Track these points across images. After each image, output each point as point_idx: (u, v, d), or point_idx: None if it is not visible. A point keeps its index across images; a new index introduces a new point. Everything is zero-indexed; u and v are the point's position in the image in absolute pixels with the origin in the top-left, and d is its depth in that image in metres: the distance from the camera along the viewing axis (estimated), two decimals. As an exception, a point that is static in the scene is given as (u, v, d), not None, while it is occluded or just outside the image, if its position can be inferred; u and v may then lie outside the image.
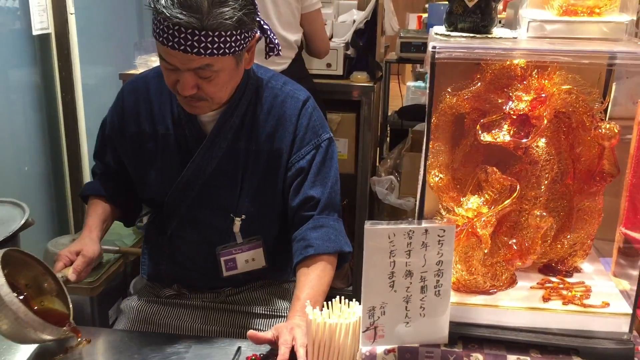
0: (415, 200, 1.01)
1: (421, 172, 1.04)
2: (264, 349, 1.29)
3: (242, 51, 1.30)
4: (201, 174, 1.46)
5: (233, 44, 1.26)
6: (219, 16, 1.21)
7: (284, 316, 1.57)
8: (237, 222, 1.48)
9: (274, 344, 1.24)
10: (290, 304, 1.59)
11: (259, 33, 1.36)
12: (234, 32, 1.24)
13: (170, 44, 1.23)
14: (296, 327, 1.24)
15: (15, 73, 2.33)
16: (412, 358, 0.95)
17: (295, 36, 2.31)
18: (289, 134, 1.45)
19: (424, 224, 0.91)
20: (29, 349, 1.29)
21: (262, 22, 1.38)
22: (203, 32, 1.21)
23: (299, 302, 1.35)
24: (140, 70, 2.63)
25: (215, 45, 1.23)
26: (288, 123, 1.46)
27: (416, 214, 1.07)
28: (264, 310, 1.58)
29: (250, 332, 1.24)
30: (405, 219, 2.59)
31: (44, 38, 2.42)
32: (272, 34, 1.42)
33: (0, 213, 1.70)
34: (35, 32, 2.35)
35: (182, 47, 1.22)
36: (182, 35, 1.21)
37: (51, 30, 2.43)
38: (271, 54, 1.46)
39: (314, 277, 1.39)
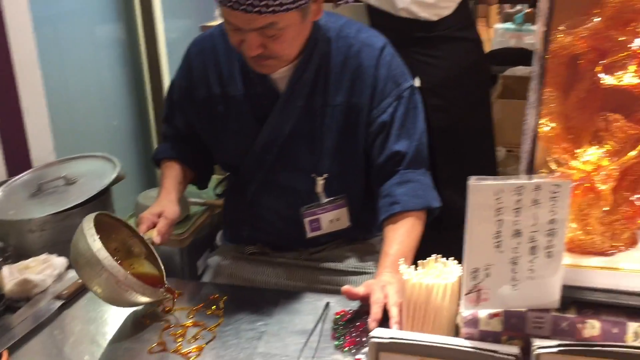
0: (509, 150, 0.93)
1: (530, 122, 0.94)
2: (353, 305, 1.27)
3: (307, 4, 1.21)
4: (278, 135, 1.40)
5: None
6: None
7: (370, 272, 1.53)
8: (320, 181, 1.43)
9: (365, 300, 1.21)
10: (375, 260, 1.55)
11: None
12: None
13: (229, 4, 1.16)
14: (388, 284, 1.20)
15: (101, 29, 2.36)
16: (519, 323, 0.88)
17: None
18: (367, 87, 1.36)
19: (536, 180, 0.83)
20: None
21: None
22: None
23: (387, 258, 1.30)
24: (221, 21, 2.60)
25: (277, 2, 1.15)
26: (366, 74, 1.36)
27: (522, 168, 0.98)
28: (349, 267, 1.55)
29: (346, 287, 1.21)
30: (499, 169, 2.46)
31: (127, -7, 2.43)
32: None
33: (93, 167, 1.74)
34: (118, -13, 2.36)
35: (242, 7, 1.15)
36: None
37: (133, -16, 2.43)
38: (340, 3, 1.36)
39: (402, 232, 1.34)
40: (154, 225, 1.35)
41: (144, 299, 1.23)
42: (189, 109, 1.49)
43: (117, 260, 1.17)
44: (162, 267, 1.33)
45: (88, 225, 1.18)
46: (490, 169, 2.21)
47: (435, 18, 2.04)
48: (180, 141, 1.55)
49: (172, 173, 1.51)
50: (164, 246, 2.14)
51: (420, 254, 1.20)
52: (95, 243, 1.15)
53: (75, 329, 1.26)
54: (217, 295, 1.34)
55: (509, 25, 3.35)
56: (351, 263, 1.56)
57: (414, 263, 1.07)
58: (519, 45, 3.22)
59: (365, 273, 1.53)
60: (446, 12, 2.04)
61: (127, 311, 1.29)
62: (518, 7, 3.42)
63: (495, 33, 3.35)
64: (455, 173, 1.84)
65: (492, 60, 3.00)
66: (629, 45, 0.88)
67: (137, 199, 2.20)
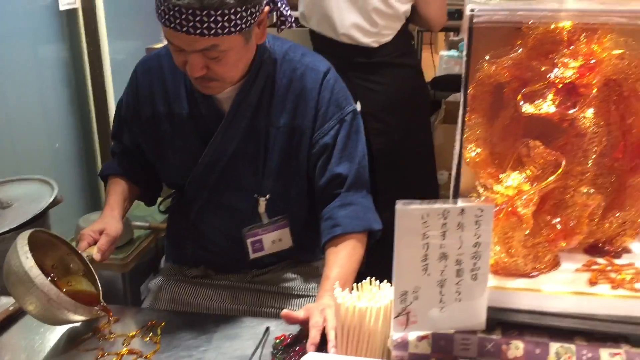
0: (450, 175, 0.96)
1: (456, 147, 0.97)
2: (293, 329, 1.26)
3: (249, 27, 1.23)
4: (222, 155, 1.40)
5: (239, 22, 1.18)
6: None
7: (314, 295, 1.53)
8: (262, 202, 1.43)
9: (305, 324, 1.21)
10: (319, 283, 1.56)
11: (269, 6, 1.28)
12: (238, 9, 1.17)
13: (172, 25, 1.17)
14: (327, 307, 1.20)
15: (44, 49, 2.32)
16: (446, 345, 0.90)
17: (405, 6, 2.10)
18: (310, 109, 1.38)
19: (460, 203, 0.85)
20: (59, 330, 1.28)
21: None
22: (205, 12, 1.14)
23: (328, 281, 1.30)
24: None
25: (219, 25, 1.17)
26: (309, 97, 1.38)
27: (451, 192, 1.00)
28: (293, 290, 1.54)
29: (285, 311, 1.21)
30: (439, 193, 2.52)
31: (71, 13, 2.39)
32: (283, 6, 1.34)
33: (29, 190, 1.69)
34: (62, 8, 2.32)
35: (184, 29, 1.16)
36: (184, 17, 1.15)
37: (78, 5, 2.40)
38: (283, 27, 1.39)
39: (343, 255, 1.35)
40: (95, 242, 1.33)
41: (77, 318, 1.20)
42: (135, 127, 1.49)
43: (53, 278, 1.16)
44: (99, 285, 1.31)
45: (22, 242, 1.17)
46: (432, 192, 2.26)
47: (375, 44, 2.09)
48: (128, 158, 1.55)
49: (117, 189, 1.50)
50: (106, 271, 2.10)
51: (362, 276, 1.21)
52: (27, 261, 1.13)
53: (5, 358, 1.21)
54: (155, 321, 1.31)
55: (453, 52, 3.45)
56: (295, 286, 1.56)
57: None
58: (463, 72, 3.30)
59: (308, 296, 1.54)
60: (386, 39, 2.10)
61: (60, 339, 1.26)
62: (462, 35, 3.53)
63: (441, 60, 3.44)
64: (396, 196, 1.88)
65: (436, 86, 3.09)
66: (547, 75, 0.92)
67: (78, 223, 2.15)
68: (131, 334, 1.27)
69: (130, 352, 1.22)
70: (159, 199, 1.70)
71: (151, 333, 1.28)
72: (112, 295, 2.13)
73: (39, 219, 1.59)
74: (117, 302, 2.12)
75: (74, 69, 2.46)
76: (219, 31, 1.18)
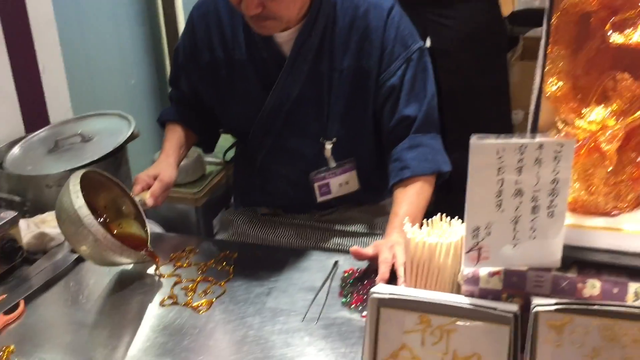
0: (528, 113, 0.92)
1: (537, 80, 0.93)
2: (361, 264, 1.28)
3: None
4: (285, 100, 1.38)
5: None
6: None
7: (379, 233, 1.54)
8: (328, 146, 1.42)
9: (374, 260, 1.22)
10: (386, 222, 1.56)
11: None
12: None
13: None
14: (396, 244, 1.21)
15: (118, -13, 2.36)
16: (519, 282, 0.88)
17: None
18: (376, 49, 1.34)
19: (539, 138, 0.82)
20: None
21: None
22: None
23: (397, 218, 1.31)
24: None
25: None
26: (374, 36, 1.33)
27: (529, 127, 0.97)
28: (360, 228, 1.56)
29: (354, 248, 1.22)
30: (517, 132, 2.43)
31: (144, -50, 2.42)
32: None
33: (108, 125, 1.76)
34: (135, -56, 2.35)
35: None
36: None
37: (151, -59, 2.42)
38: None
39: (411, 193, 1.34)
40: (148, 187, 1.35)
41: (124, 260, 1.23)
42: (193, 73, 1.48)
43: (105, 219, 1.15)
44: (148, 229, 1.32)
45: (74, 181, 1.17)
46: (506, 131, 2.18)
47: None
48: (186, 104, 1.55)
49: (174, 136, 1.51)
50: (180, 204, 2.18)
51: (429, 216, 1.20)
52: (78, 200, 1.14)
53: (90, 281, 1.29)
54: (228, 252, 1.36)
55: (533, -16, 3.25)
56: (361, 225, 1.56)
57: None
58: (543, 6, 3.12)
59: (375, 234, 1.55)
60: None
61: (140, 266, 1.32)
62: (544, -37, 3.31)
63: (520, -7, 3.25)
64: (465, 135, 1.85)
65: (514, 21, 2.93)
66: (639, 3, 0.86)
67: (154, 157, 2.23)
68: (206, 263, 1.33)
69: (205, 280, 1.27)
70: (224, 150, 1.71)
71: (224, 263, 1.33)
72: (186, 228, 2.22)
73: (118, 153, 1.66)
74: (190, 233, 2.21)
75: (147, 7, 2.49)
76: None
